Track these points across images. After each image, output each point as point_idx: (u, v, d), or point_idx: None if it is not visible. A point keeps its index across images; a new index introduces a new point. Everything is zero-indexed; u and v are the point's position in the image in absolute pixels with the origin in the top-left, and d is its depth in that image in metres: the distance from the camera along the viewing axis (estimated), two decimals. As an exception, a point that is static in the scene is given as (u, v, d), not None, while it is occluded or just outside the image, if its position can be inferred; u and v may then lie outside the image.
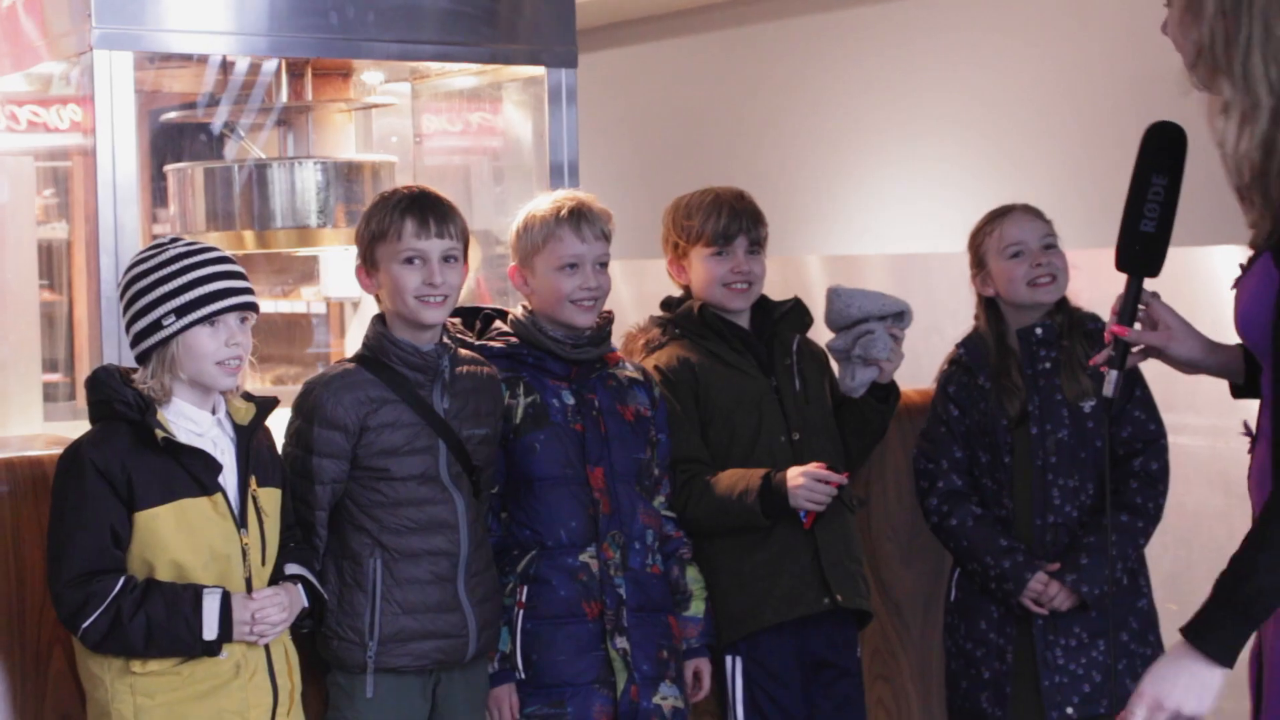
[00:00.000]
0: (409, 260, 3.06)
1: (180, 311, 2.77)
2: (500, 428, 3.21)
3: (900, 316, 3.49)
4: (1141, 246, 2.66)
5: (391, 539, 3.03)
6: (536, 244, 3.28)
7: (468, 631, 3.07)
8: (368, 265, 3.12)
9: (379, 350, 3.09)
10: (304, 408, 3.06)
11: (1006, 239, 3.58)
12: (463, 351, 3.19)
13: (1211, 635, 2.29)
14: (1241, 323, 2.42)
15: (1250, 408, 2.54)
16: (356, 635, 3.02)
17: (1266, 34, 2.30)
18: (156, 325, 2.78)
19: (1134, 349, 2.71)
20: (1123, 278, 2.72)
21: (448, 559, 3.06)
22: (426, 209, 3.07)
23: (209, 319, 2.79)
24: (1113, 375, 2.69)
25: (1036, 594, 3.48)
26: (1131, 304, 2.68)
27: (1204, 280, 4.52)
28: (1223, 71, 2.34)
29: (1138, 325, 2.72)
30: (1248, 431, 2.52)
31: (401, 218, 3.06)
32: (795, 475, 3.34)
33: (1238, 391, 2.66)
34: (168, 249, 2.83)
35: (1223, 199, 2.46)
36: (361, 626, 3.01)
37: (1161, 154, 2.64)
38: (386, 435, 3.04)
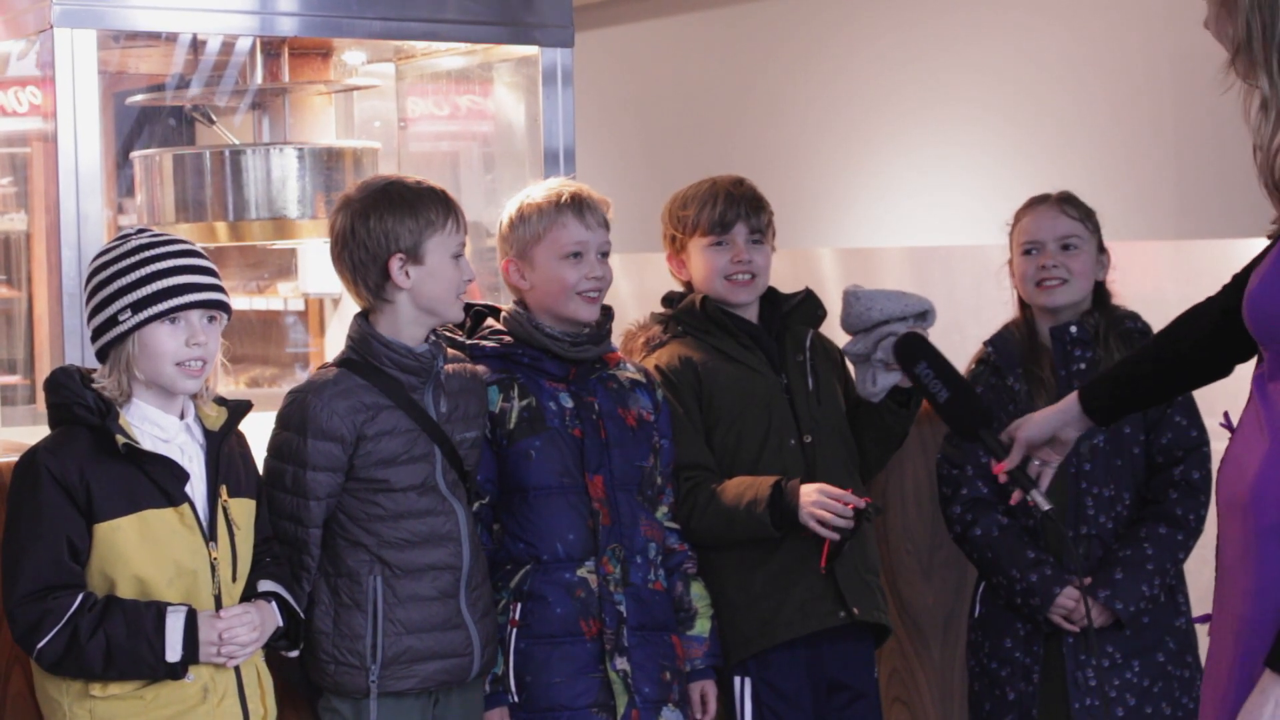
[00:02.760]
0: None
1: (137, 306, 2.77)
2: (485, 429, 3.20)
3: (923, 316, 3.47)
4: (955, 413, 3.25)
5: (393, 554, 3.03)
6: (536, 234, 3.28)
7: (472, 649, 3.08)
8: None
9: (367, 352, 3.07)
10: (293, 419, 3.03)
11: (1024, 232, 3.61)
12: (448, 350, 3.19)
13: None
14: (1250, 302, 2.49)
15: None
16: (357, 659, 3.01)
17: None
18: (112, 321, 2.78)
19: (1032, 467, 3.06)
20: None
21: (451, 573, 3.06)
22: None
23: (168, 315, 2.77)
24: (1037, 494, 3.04)
25: (1067, 610, 3.46)
26: (993, 447, 3.11)
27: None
28: (1260, 66, 2.43)
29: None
30: (1228, 424, 2.60)
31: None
32: (809, 491, 3.30)
33: (1104, 419, 3.02)
34: (131, 240, 2.83)
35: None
36: (362, 649, 3.01)
37: (910, 356, 3.30)
38: (385, 444, 3.03)
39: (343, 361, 3.10)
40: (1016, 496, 3.09)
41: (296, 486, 3.01)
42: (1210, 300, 2.86)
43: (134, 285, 2.77)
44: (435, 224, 3.07)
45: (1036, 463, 3.05)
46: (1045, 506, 3.04)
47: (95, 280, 2.81)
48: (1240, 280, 2.77)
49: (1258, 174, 2.47)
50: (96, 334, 2.80)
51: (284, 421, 3.05)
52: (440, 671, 3.05)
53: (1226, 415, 2.63)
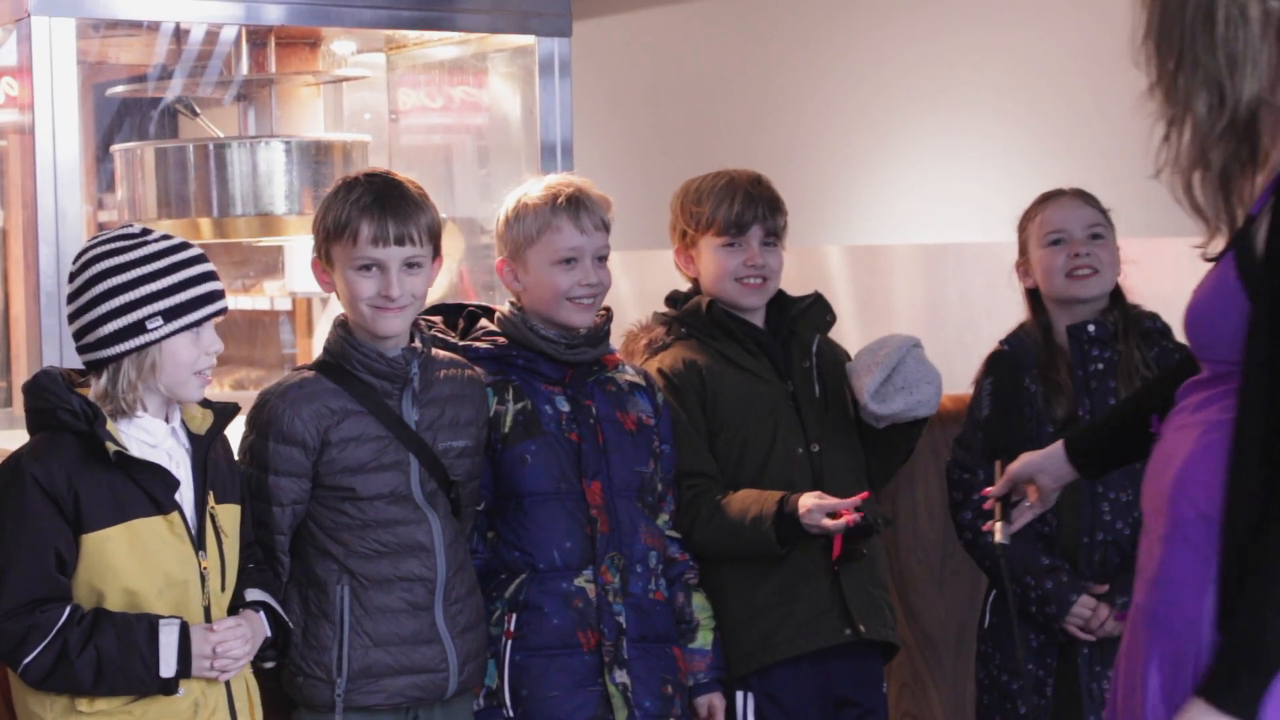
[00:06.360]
0: (365, 268, 3.05)
1: (169, 315, 2.75)
2: (484, 438, 3.21)
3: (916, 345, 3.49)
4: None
5: (360, 564, 3.04)
6: (530, 235, 3.28)
7: (447, 665, 3.07)
8: (324, 262, 3.11)
9: (341, 356, 3.08)
10: (259, 421, 3.06)
11: (1048, 224, 3.62)
12: (440, 354, 3.19)
13: (1230, 692, 2.29)
14: (1187, 317, 2.53)
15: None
16: (323, 671, 3.02)
17: (1194, 46, 2.47)
18: (139, 328, 2.75)
19: (1022, 505, 3.10)
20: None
21: (423, 585, 3.06)
22: (387, 210, 3.03)
23: (196, 325, 2.78)
24: (1000, 525, 3.10)
25: (1083, 619, 3.49)
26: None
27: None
28: (1165, 86, 2.53)
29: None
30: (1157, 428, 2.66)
31: (358, 218, 3.03)
32: (807, 499, 3.33)
33: (1090, 471, 3.02)
34: (146, 242, 2.79)
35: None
36: (329, 661, 3.02)
37: None
38: (351, 450, 3.04)
39: (317, 364, 3.12)
40: (990, 526, 3.16)
41: (260, 491, 3.03)
42: None
43: (167, 292, 2.75)
44: (332, 232, 3.06)
45: (1022, 500, 3.12)
46: (1004, 540, 3.11)
47: (111, 282, 2.75)
48: None
49: (1172, 192, 2.55)
50: (112, 339, 2.75)
51: (250, 423, 3.08)
52: (411, 687, 3.05)
53: (1155, 419, 2.68)
